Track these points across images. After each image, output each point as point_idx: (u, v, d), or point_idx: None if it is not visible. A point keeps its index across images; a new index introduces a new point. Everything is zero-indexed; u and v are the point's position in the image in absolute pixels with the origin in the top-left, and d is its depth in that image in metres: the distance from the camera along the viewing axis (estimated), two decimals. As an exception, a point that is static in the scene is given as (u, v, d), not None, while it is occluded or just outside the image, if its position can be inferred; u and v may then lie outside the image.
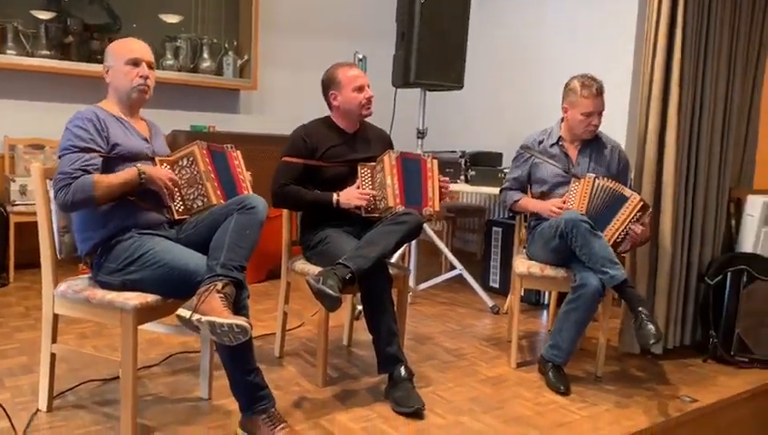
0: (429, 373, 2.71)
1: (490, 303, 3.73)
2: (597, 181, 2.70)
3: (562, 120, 2.91)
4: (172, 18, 4.55)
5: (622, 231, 2.63)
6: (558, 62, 4.57)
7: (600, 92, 2.78)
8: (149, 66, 2.20)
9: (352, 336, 3.09)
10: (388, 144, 2.80)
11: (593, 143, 2.90)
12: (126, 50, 2.17)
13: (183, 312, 1.85)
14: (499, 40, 5.11)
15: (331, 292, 2.15)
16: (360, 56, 4.73)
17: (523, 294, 3.88)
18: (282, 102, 5.00)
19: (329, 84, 2.65)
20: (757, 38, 3.29)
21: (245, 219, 2.03)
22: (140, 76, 2.16)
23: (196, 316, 1.82)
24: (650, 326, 2.39)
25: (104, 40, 4.21)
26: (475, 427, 2.23)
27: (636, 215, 2.63)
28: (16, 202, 3.75)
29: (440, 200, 2.66)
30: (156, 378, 2.51)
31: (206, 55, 4.63)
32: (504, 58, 5.10)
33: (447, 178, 2.74)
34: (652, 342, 2.38)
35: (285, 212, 2.74)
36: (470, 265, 3.95)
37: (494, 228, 4.16)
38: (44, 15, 4.08)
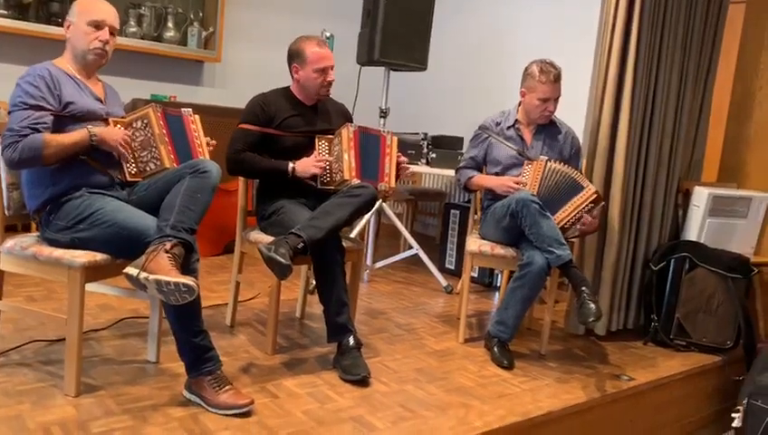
0: (378, 345, 2.76)
1: (444, 282, 3.79)
2: (549, 164, 2.77)
3: (520, 103, 2.97)
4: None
5: (573, 217, 2.71)
6: (522, 49, 4.63)
7: (557, 79, 2.84)
8: (112, 31, 2.17)
9: (305, 310, 3.12)
10: (347, 118, 2.82)
11: (548, 128, 2.97)
12: (91, 10, 2.13)
13: (131, 270, 1.86)
14: (465, 24, 5.16)
15: (281, 259, 2.17)
16: (328, 34, 4.72)
17: (476, 274, 3.99)
18: (245, 77, 4.96)
19: (294, 56, 2.65)
20: (710, 41, 3.39)
21: (197, 183, 2.04)
22: (99, 40, 2.13)
23: (143, 274, 1.83)
24: (591, 305, 2.48)
25: (65, 2, 4.13)
26: (417, 395, 2.29)
27: (588, 205, 2.71)
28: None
29: (397, 178, 2.69)
30: (104, 341, 2.51)
31: (170, 25, 4.57)
32: (469, 43, 5.15)
33: (406, 158, 2.78)
34: (591, 319, 2.47)
35: (241, 181, 2.75)
36: (428, 249, 4.01)
37: (452, 211, 4.23)
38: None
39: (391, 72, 3.84)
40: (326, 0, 5.29)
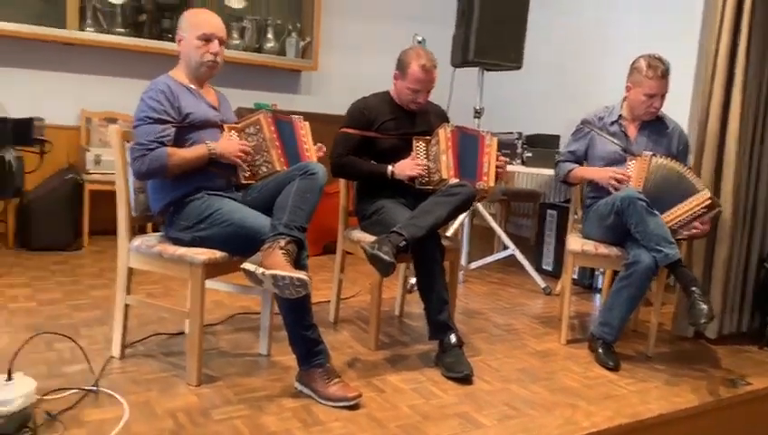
0: (478, 344, 2.77)
1: (542, 283, 3.75)
2: (654, 159, 2.69)
3: (624, 98, 2.90)
4: (236, 3, 4.70)
5: (682, 221, 2.60)
6: (618, 45, 4.51)
7: (664, 75, 2.75)
8: (221, 42, 2.30)
9: (404, 308, 3.17)
10: (444, 120, 2.85)
11: (654, 123, 2.88)
12: (201, 24, 2.26)
13: (248, 265, 1.97)
14: (559, 21, 5.07)
15: (385, 257, 2.23)
16: (420, 38, 4.78)
17: (576, 276, 3.91)
18: (340, 83, 5.10)
19: (399, 65, 2.71)
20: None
21: (307, 184, 2.13)
22: (210, 53, 2.27)
23: (260, 270, 1.93)
24: (703, 306, 2.38)
25: (174, 19, 4.40)
26: (521, 394, 2.29)
27: (700, 211, 2.60)
28: (91, 171, 3.97)
29: (496, 178, 2.69)
30: (219, 335, 2.66)
31: (269, 36, 4.77)
32: (563, 40, 5.05)
33: (506, 159, 2.77)
34: (703, 321, 2.37)
35: (342, 183, 2.84)
36: (523, 250, 3.95)
37: (549, 211, 4.17)
38: (114, 1, 4.27)
39: (485, 71, 3.84)
40: (417, 5, 5.35)
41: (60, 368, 2.19)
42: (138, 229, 2.73)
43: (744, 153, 2.94)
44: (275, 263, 1.93)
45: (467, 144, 2.68)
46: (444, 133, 2.66)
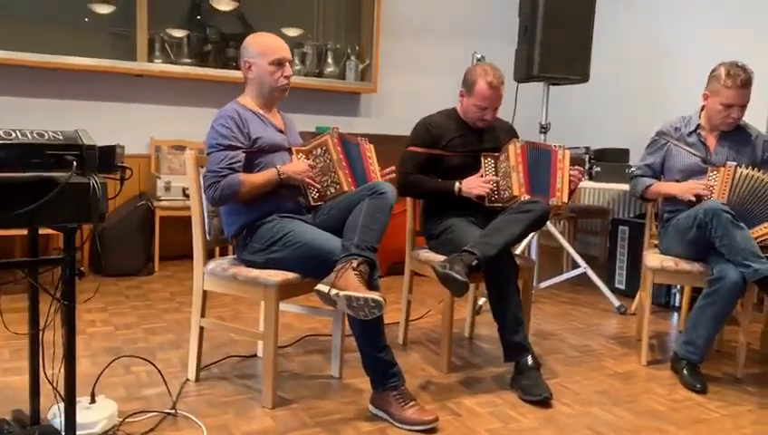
0: (555, 366, 2.67)
1: (616, 302, 3.61)
2: (739, 170, 2.56)
3: (702, 107, 2.78)
4: (293, 32, 4.77)
5: None
6: (689, 53, 4.36)
7: (744, 84, 2.61)
8: (290, 64, 2.34)
9: (474, 330, 3.11)
10: (513, 135, 2.80)
11: (735, 133, 2.75)
12: (271, 49, 2.29)
13: (322, 287, 1.96)
14: (627, 29, 4.94)
15: (458, 276, 2.18)
16: (479, 56, 4.75)
17: (652, 294, 3.75)
18: (399, 105, 5.10)
19: (465, 82, 2.67)
20: None
21: (376, 203, 2.11)
22: (285, 77, 2.30)
23: (333, 291, 1.92)
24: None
25: (238, 48, 4.51)
26: (605, 418, 2.18)
27: None
28: (162, 198, 4.08)
29: (570, 193, 2.60)
30: (290, 357, 2.65)
31: (329, 60, 4.83)
32: (632, 49, 4.92)
33: (580, 169, 2.64)
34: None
35: (409, 201, 2.81)
36: (593, 268, 3.84)
37: (621, 227, 4.03)
38: (180, 33, 4.42)
39: (550, 86, 3.77)
40: (475, 23, 5.33)
41: (139, 391, 2.23)
42: (209, 254, 2.79)
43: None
44: (349, 284, 1.91)
45: (538, 159, 2.61)
46: (513, 149, 2.60)
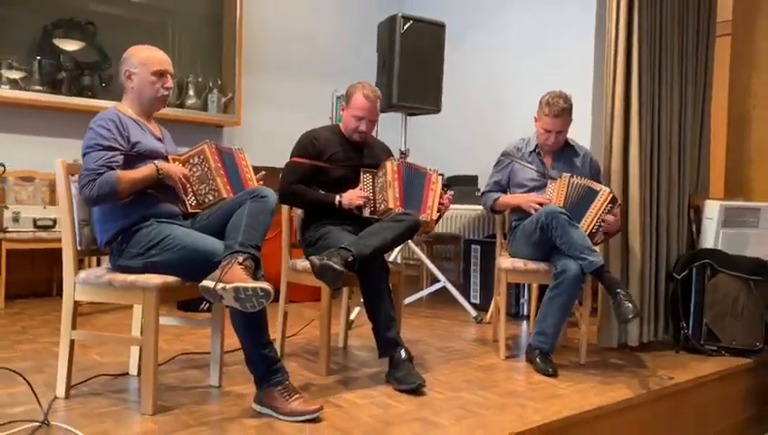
0: (424, 365, 2.85)
1: (473, 312, 3.91)
2: (572, 180, 2.96)
3: (537, 129, 3.19)
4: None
5: (596, 222, 2.87)
6: (525, 86, 4.90)
7: (559, 114, 2.99)
8: (172, 76, 2.39)
9: (348, 342, 3.22)
10: (389, 155, 3.02)
11: (566, 151, 3.17)
12: (154, 60, 2.33)
13: (207, 283, 1.99)
14: (472, 66, 5.44)
15: (335, 265, 2.30)
16: (339, 94, 5.02)
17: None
18: (262, 137, 5.19)
19: (345, 97, 2.89)
20: (702, 69, 3.65)
21: (258, 206, 2.20)
22: (165, 87, 2.35)
23: (220, 285, 1.96)
24: (628, 304, 2.61)
25: (94, 76, 4.41)
26: (474, 399, 2.38)
27: (607, 207, 2.88)
28: (9, 229, 3.82)
29: (438, 213, 2.84)
30: (164, 373, 2.59)
31: (191, 93, 4.85)
32: (478, 84, 5.43)
33: (449, 197, 2.90)
34: (631, 316, 2.59)
35: (285, 211, 2.91)
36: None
37: (473, 246, 4.38)
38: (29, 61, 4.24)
39: (408, 116, 4.08)
40: (334, 64, 5.60)
41: (6, 410, 2.08)
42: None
43: (644, 182, 3.26)
44: (236, 276, 1.97)
45: (413, 178, 2.85)
46: (391, 166, 2.82)
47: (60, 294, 2.26)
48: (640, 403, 2.54)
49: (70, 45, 4.39)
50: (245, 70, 5.04)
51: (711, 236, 3.53)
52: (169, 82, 2.35)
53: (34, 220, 3.88)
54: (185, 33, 4.95)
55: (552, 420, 2.19)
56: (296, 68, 5.50)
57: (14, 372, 2.18)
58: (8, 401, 2.17)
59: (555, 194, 2.96)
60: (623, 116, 3.23)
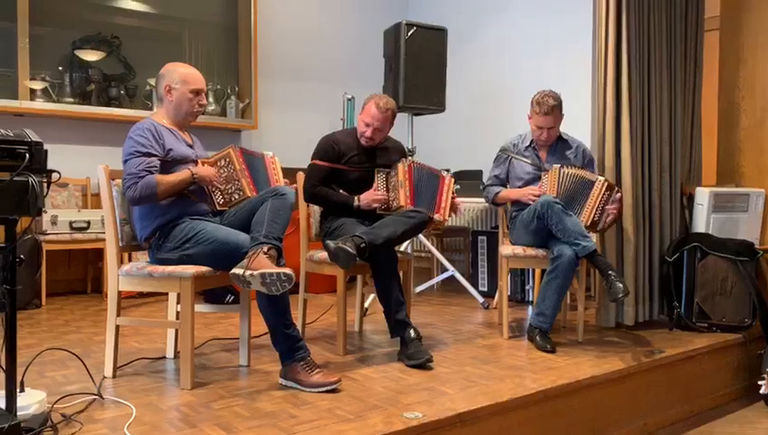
0: (433, 345, 3.11)
1: (481, 299, 4.16)
2: (562, 169, 3.19)
3: (533, 126, 3.43)
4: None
5: (597, 211, 3.09)
6: (525, 86, 5.12)
7: (548, 112, 3.21)
8: (206, 94, 2.67)
9: (363, 327, 3.49)
10: (403, 155, 3.28)
11: (560, 145, 3.41)
12: (193, 80, 2.60)
13: (237, 270, 2.27)
14: (475, 67, 5.69)
15: (349, 249, 2.57)
16: (349, 96, 5.30)
17: (509, 292, 4.34)
18: (278, 140, 5.47)
19: (363, 105, 3.14)
20: (692, 62, 3.87)
21: (279, 202, 2.47)
22: (200, 105, 2.63)
23: (248, 272, 2.24)
24: (619, 284, 2.85)
25: (120, 87, 4.71)
26: (477, 372, 2.64)
27: (605, 195, 3.11)
28: (48, 232, 4.13)
29: (449, 213, 3.11)
30: (198, 356, 2.86)
31: (211, 99, 5.13)
32: (480, 84, 5.68)
33: (460, 201, 3.19)
34: (621, 295, 2.83)
35: (302, 210, 3.17)
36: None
37: (480, 237, 4.63)
38: (61, 74, 4.55)
39: (414, 116, 4.34)
40: (345, 68, 5.87)
41: (60, 388, 2.37)
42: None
43: (636, 171, 3.49)
44: (262, 264, 2.24)
45: (423, 178, 3.12)
46: (402, 167, 3.08)
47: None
48: (632, 374, 2.78)
49: (97, 58, 4.69)
50: (261, 76, 5.32)
51: (702, 222, 3.75)
52: (204, 100, 2.63)
53: (70, 223, 4.18)
54: (202, 42, 5.24)
55: (548, 387, 2.44)
56: (308, 73, 5.77)
57: (71, 353, 2.46)
58: (63, 381, 2.46)
59: (548, 184, 3.19)
60: (614, 108, 3.45)
